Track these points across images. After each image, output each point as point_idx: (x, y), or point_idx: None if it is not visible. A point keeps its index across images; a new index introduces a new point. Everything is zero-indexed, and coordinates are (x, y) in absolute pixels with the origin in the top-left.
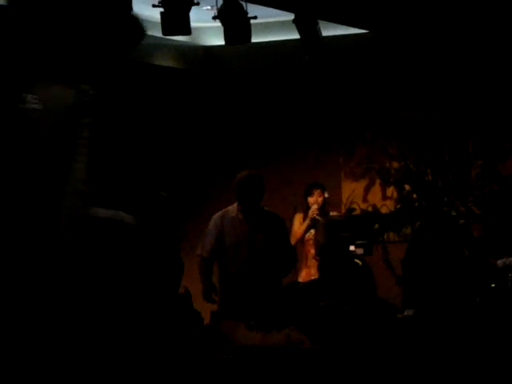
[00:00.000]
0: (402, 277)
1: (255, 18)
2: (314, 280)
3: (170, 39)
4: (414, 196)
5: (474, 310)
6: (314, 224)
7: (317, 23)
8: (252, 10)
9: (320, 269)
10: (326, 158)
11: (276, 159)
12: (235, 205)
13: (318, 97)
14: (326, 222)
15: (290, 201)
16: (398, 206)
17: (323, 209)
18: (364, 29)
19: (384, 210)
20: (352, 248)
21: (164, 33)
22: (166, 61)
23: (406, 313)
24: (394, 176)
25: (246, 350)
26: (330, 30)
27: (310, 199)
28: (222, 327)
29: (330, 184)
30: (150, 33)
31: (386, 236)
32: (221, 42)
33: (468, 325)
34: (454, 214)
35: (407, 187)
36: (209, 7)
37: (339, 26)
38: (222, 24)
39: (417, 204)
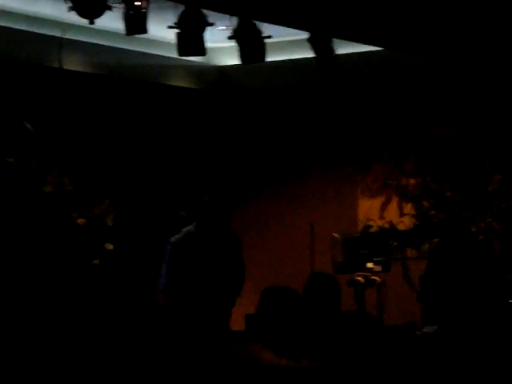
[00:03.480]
0: (420, 293)
1: (270, 37)
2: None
3: (184, 59)
4: (433, 212)
5: (495, 326)
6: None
7: (331, 41)
8: (266, 29)
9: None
10: (342, 175)
11: (292, 177)
12: (194, 224)
13: (333, 114)
14: (344, 239)
15: (306, 218)
16: (417, 223)
17: None
18: (379, 46)
19: (401, 227)
20: (370, 265)
21: (180, 53)
22: (180, 81)
23: (425, 329)
24: (411, 192)
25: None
26: (344, 48)
27: None
28: (248, 349)
29: (347, 201)
30: (164, 54)
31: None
32: (235, 61)
33: (490, 341)
34: (473, 229)
35: (426, 203)
36: (223, 27)
37: (354, 43)
38: (237, 44)
39: (435, 220)
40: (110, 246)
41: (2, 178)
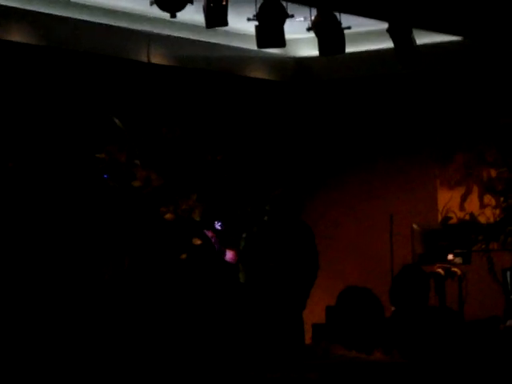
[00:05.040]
0: (504, 286)
1: (349, 28)
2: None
3: (262, 51)
4: None
5: None
6: None
7: (411, 32)
8: (346, 20)
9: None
10: (421, 166)
11: (372, 168)
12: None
13: (413, 104)
14: (424, 230)
15: (386, 209)
16: (500, 215)
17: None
18: (459, 35)
19: (482, 218)
20: (450, 257)
21: (259, 45)
22: (259, 73)
23: (508, 323)
24: (497, 185)
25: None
26: (424, 38)
27: None
28: (319, 346)
29: (426, 192)
30: (243, 46)
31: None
32: (314, 52)
33: None
34: None
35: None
36: (302, 19)
37: (434, 33)
38: (316, 35)
39: None
40: (198, 241)
41: (92, 173)
